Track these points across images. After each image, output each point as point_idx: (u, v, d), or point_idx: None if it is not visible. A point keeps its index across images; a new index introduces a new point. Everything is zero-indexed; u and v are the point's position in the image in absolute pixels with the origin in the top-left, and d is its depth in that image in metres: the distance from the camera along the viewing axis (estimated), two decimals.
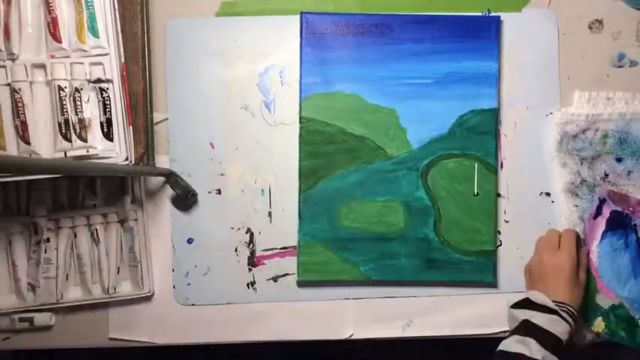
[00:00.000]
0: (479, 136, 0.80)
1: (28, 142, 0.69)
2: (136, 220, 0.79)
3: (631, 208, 0.81)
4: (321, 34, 0.79)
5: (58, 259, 0.77)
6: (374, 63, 0.80)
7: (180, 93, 0.81)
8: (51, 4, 0.70)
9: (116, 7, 0.71)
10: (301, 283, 0.81)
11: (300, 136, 0.79)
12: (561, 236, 0.78)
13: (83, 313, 0.80)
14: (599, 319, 0.80)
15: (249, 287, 0.81)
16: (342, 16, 0.80)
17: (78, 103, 0.70)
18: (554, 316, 0.70)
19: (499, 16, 0.81)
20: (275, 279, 0.81)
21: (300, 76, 0.80)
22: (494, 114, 0.80)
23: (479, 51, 0.80)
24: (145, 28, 0.76)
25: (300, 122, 0.79)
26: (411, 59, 0.80)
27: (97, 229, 0.78)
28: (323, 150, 0.79)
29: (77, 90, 0.70)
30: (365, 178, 0.79)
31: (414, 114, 0.79)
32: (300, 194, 0.79)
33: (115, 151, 0.71)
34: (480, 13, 0.82)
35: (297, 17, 0.80)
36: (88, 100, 0.71)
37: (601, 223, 0.81)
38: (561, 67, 0.82)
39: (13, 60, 0.70)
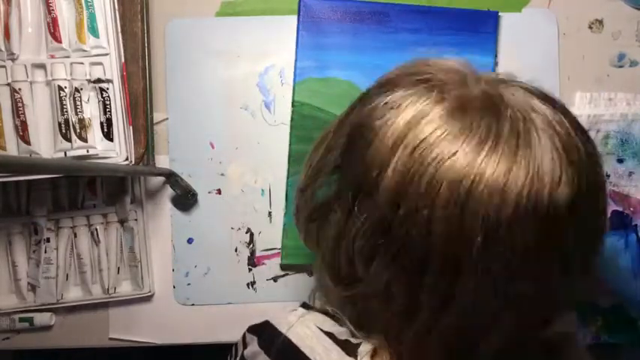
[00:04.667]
0: None
1: (28, 142, 0.69)
2: (136, 220, 0.79)
3: (632, 208, 0.81)
4: (318, 18, 0.79)
5: (58, 259, 0.77)
6: (370, 51, 0.79)
7: (180, 93, 0.81)
8: (51, 4, 0.70)
9: (116, 7, 0.71)
10: (284, 267, 0.81)
11: (292, 119, 0.79)
12: None
13: (83, 313, 0.80)
14: (599, 319, 0.80)
15: (249, 287, 0.81)
16: (340, 2, 0.79)
17: (78, 103, 0.70)
18: None
19: (497, 12, 0.80)
20: (275, 279, 0.81)
21: (295, 60, 0.79)
22: None
23: (476, 45, 0.79)
24: (145, 28, 0.76)
25: (293, 105, 0.79)
26: (408, 49, 0.79)
27: (97, 229, 0.78)
28: (314, 135, 0.78)
29: (77, 90, 0.70)
30: None
31: None
32: (288, 178, 0.79)
33: (115, 151, 0.71)
34: None
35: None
36: (88, 100, 0.71)
37: None
38: (561, 68, 0.82)
39: (13, 60, 0.70)
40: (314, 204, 0.53)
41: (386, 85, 0.48)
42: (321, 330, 0.49)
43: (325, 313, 0.51)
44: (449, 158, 0.40)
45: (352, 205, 0.45)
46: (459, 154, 0.40)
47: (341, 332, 0.49)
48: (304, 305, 0.53)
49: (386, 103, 0.45)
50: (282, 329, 0.50)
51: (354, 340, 0.48)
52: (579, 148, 0.42)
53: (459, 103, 0.42)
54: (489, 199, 0.39)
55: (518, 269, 0.40)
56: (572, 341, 0.52)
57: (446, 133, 0.41)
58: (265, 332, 0.51)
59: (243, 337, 0.53)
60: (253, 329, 0.53)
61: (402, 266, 0.43)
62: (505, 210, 0.39)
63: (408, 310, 0.44)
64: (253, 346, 0.50)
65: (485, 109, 0.42)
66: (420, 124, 0.42)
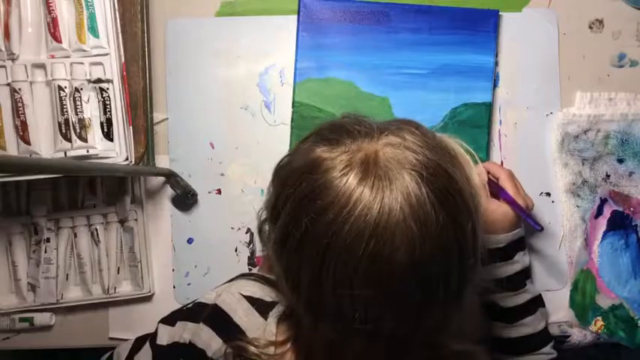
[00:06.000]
0: (471, 129, 0.80)
1: (28, 142, 0.69)
2: (136, 220, 0.79)
3: (632, 209, 0.81)
4: (318, 19, 0.79)
5: (58, 259, 0.77)
6: (370, 51, 0.79)
7: (180, 93, 0.81)
8: (51, 4, 0.70)
9: (116, 7, 0.71)
10: None
11: (292, 120, 0.79)
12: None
13: (83, 313, 0.80)
14: (599, 319, 0.80)
15: None
16: (340, 2, 0.80)
17: (78, 103, 0.70)
18: None
19: (497, 10, 0.80)
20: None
21: (296, 60, 0.79)
22: (488, 108, 0.80)
23: (476, 44, 0.80)
24: (145, 28, 0.76)
25: (293, 106, 0.79)
26: (407, 49, 0.79)
27: (97, 229, 0.78)
28: None
29: (77, 90, 0.70)
30: None
31: (407, 104, 0.79)
32: None
33: (115, 151, 0.71)
34: None
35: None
36: (88, 100, 0.71)
37: (602, 223, 0.81)
38: (561, 67, 0.82)
39: (13, 60, 0.70)
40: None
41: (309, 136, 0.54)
42: (242, 294, 0.59)
43: (263, 277, 0.61)
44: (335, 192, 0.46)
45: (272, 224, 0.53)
46: (343, 190, 0.46)
47: (257, 293, 0.59)
48: (243, 275, 0.65)
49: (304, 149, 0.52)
50: (210, 301, 0.60)
51: (267, 299, 0.59)
52: (429, 214, 0.45)
53: (348, 163, 0.47)
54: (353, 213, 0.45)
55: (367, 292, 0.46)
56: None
57: (333, 178, 0.47)
58: (196, 311, 0.60)
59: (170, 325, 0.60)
60: (183, 316, 0.60)
61: (291, 268, 0.50)
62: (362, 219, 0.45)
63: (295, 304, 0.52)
64: (188, 330, 0.58)
65: (363, 168, 0.47)
66: (317, 171, 0.48)
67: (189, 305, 0.62)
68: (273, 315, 0.57)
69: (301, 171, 0.49)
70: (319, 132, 0.52)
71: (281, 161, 0.54)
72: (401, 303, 0.47)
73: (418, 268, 0.45)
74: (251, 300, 0.59)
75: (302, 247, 0.47)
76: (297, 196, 0.48)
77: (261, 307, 0.58)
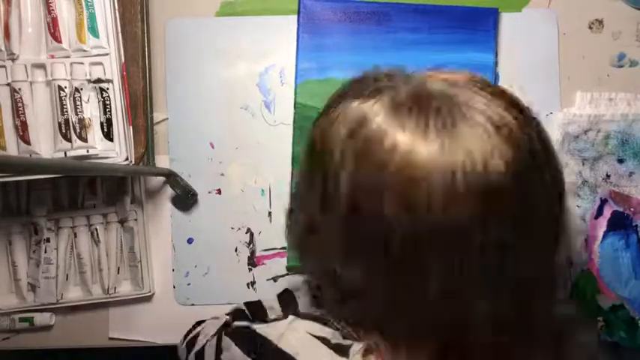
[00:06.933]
0: None
1: (28, 142, 0.69)
2: (136, 220, 0.79)
3: (632, 209, 0.81)
4: (318, 19, 0.79)
5: (58, 259, 0.77)
6: (370, 51, 0.79)
7: (180, 93, 0.81)
8: (51, 4, 0.70)
9: (116, 7, 0.71)
10: (290, 269, 0.81)
11: (294, 121, 0.80)
12: None
13: (83, 313, 0.80)
14: (600, 319, 0.80)
15: (249, 287, 0.81)
16: (340, 3, 0.80)
17: (78, 103, 0.70)
18: None
19: (497, 8, 0.80)
20: (275, 279, 0.81)
21: (297, 62, 0.79)
22: None
23: (476, 43, 0.79)
24: (145, 28, 0.76)
25: (295, 107, 0.79)
26: (407, 48, 0.79)
27: (97, 229, 0.78)
28: None
29: (77, 90, 0.70)
30: None
31: None
32: (292, 179, 0.79)
33: (115, 151, 0.71)
34: None
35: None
36: (88, 100, 0.71)
37: (602, 224, 0.81)
38: (561, 67, 0.82)
39: (13, 60, 0.70)
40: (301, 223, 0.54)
41: (336, 99, 0.50)
42: (312, 335, 0.51)
43: (312, 318, 0.53)
44: (388, 153, 0.42)
45: (321, 214, 0.47)
46: (396, 148, 0.42)
47: (332, 335, 0.50)
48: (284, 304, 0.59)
49: (336, 115, 0.48)
50: (273, 339, 0.51)
51: (344, 342, 0.49)
52: (509, 122, 0.43)
53: (393, 104, 0.45)
54: (426, 181, 0.41)
55: (470, 244, 0.42)
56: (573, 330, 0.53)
57: (383, 133, 0.43)
58: (251, 340, 0.52)
59: (218, 340, 0.55)
60: (234, 335, 0.54)
61: (371, 260, 0.45)
62: (438, 188, 0.41)
63: (388, 302, 0.46)
64: (234, 351, 0.52)
65: (415, 104, 0.44)
66: (362, 127, 0.45)
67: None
68: (355, 351, 0.48)
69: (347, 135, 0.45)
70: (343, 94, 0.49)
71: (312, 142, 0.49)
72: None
73: (516, 178, 0.42)
74: (326, 342, 0.50)
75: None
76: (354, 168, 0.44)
77: (340, 348, 0.49)
